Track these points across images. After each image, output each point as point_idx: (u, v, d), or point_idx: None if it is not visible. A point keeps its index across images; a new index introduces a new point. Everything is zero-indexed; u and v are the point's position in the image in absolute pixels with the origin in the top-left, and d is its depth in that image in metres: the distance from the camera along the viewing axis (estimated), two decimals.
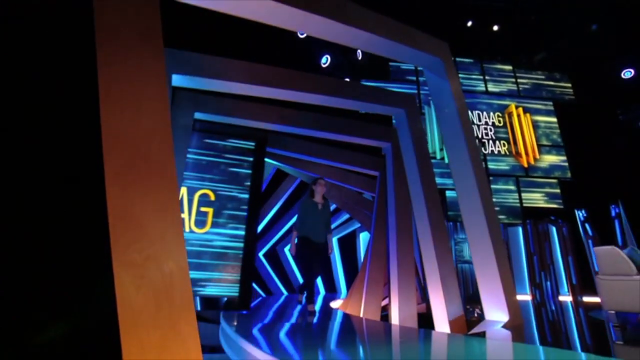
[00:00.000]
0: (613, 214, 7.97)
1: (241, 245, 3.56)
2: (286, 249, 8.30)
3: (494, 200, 8.15)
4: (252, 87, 3.15)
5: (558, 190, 8.44)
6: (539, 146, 8.68)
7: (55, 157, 2.18)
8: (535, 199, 8.36)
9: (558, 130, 8.90)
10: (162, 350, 1.36)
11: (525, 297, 8.35)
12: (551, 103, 9.13)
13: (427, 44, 3.19)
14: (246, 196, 3.65)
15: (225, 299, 3.45)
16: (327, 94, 3.45)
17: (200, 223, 3.47)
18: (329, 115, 4.08)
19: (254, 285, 7.08)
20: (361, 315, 4.31)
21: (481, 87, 8.99)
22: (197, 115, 3.41)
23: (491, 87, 9.07)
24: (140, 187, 1.46)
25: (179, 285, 1.50)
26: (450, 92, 3.25)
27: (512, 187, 8.31)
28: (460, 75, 9.00)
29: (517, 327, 2.74)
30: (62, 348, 1.84)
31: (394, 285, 4.05)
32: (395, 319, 3.85)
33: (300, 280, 7.38)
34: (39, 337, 1.77)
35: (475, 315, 3.00)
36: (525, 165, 8.44)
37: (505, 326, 2.70)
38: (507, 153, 8.48)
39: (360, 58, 7.90)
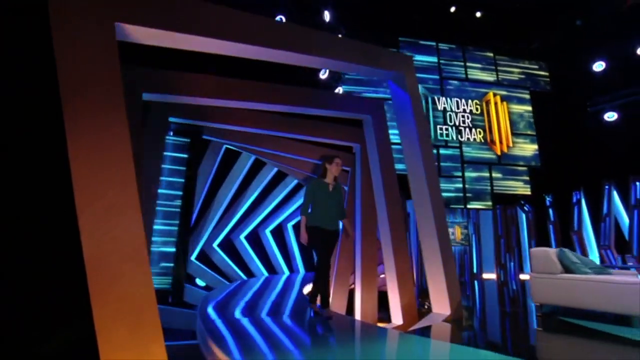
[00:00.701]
0: (574, 200, 8.53)
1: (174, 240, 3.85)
2: (267, 231, 8.65)
3: (467, 186, 8.61)
4: (222, 101, 3.27)
5: (528, 178, 8.90)
6: (513, 134, 9.03)
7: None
8: (506, 185, 8.82)
9: (532, 120, 9.23)
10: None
11: (491, 275, 9.06)
12: (528, 92, 9.39)
13: (391, 62, 3.34)
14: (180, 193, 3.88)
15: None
16: (296, 105, 3.59)
17: None
18: (300, 117, 4.19)
19: (235, 267, 7.46)
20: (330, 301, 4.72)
21: (462, 74, 9.13)
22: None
23: (472, 74, 9.22)
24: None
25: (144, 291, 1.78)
26: (410, 103, 3.43)
27: (485, 174, 8.72)
28: (441, 61, 9.12)
29: (457, 321, 3.16)
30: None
31: (358, 274, 4.44)
32: (357, 303, 4.27)
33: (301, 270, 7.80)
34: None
35: (426, 307, 3.39)
36: (499, 153, 8.82)
37: (446, 320, 3.13)
38: (482, 141, 8.81)
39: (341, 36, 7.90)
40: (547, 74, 9.58)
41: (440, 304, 3.23)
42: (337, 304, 4.48)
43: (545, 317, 3.33)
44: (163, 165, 3.69)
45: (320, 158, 3.36)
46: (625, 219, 7.74)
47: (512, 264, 8.82)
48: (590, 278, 3.07)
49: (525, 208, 9.23)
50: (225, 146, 5.56)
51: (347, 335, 2.69)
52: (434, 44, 9.21)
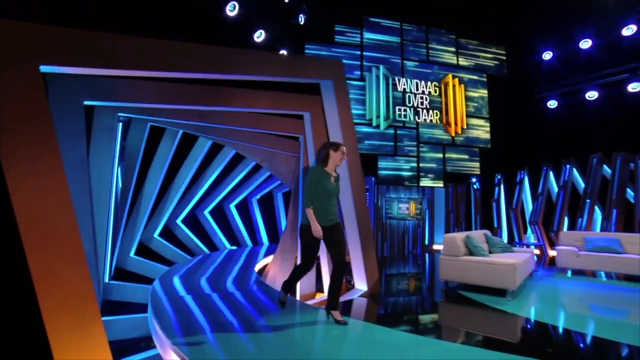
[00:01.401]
0: (518, 179, 9.35)
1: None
2: (232, 206, 9.06)
3: (422, 165, 9.20)
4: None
5: (478, 158, 9.59)
6: (468, 117, 9.56)
7: None
8: (458, 165, 9.49)
9: (487, 103, 9.74)
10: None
11: (440, 247, 10.01)
12: (485, 76, 9.82)
13: (320, 70, 3.57)
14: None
15: None
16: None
17: None
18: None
19: (198, 241, 7.90)
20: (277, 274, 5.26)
21: (423, 56, 9.39)
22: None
23: (433, 56, 9.50)
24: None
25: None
26: (336, 106, 3.70)
27: (440, 155, 9.32)
28: (405, 42, 9.31)
29: (374, 296, 3.77)
30: None
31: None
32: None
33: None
34: None
35: (351, 283, 3.96)
36: (453, 134, 9.38)
37: (363, 295, 3.73)
38: (438, 122, 9.31)
39: (302, 22, 7.91)
40: (504, 58, 9.99)
41: (360, 281, 3.82)
42: (281, 276, 5.00)
43: (448, 291, 4.00)
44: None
45: (321, 145, 2.91)
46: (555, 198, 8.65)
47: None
48: (480, 260, 3.72)
49: (474, 186, 10.04)
50: (181, 131, 5.73)
51: (269, 310, 3.21)
52: (398, 24, 9.33)
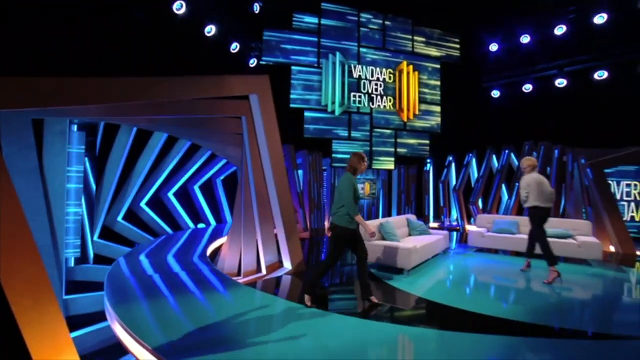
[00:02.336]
0: (464, 162, 10.29)
1: None
2: (196, 187, 9.59)
3: (376, 149, 9.91)
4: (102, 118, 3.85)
5: (428, 142, 10.39)
6: (420, 102, 10.24)
7: None
8: (410, 148, 10.27)
9: (439, 90, 10.40)
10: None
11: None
12: (439, 63, 10.40)
13: (245, 87, 4.07)
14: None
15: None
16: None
17: None
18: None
19: (162, 222, 8.47)
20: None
21: (379, 42, 9.82)
22: None
23: (389, 43, 9.94)
24: None
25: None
26: (261, 115, 4.25)
27: (392, 140, 10.04)
28: (362, 30, 9.67)
29: (297, 274, 4.56)
30: None
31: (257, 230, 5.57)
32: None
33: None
34: None
35: (279, 262, 4.72)
36: (405, 119, 10.07)
37: (288, 273, 4.51)
38: (392, 108, 9.95)
39: (258, 11, 8.13)
40: (458, 47, 10.54)
41: (286, 261, 4.60)
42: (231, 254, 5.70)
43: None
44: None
45: (352, 155, 3.34)
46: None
47: (409, 213, 10.74)
48: (386, 244, 4.55)
49: (425, 168, 10.95)
50: (135, 128, 6.12)
51: (207, 288, 3.93)
52: (355, 11, 9.64)
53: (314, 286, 3.37)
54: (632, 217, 7.73)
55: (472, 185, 10.03)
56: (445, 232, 6.00)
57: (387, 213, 10.73)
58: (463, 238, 7.95)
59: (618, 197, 7.76)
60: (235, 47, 7.27)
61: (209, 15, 6.19)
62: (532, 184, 4.48)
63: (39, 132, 3.81)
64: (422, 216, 10.77)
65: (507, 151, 9.38)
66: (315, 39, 9.24)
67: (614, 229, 6.41)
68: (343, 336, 2.73)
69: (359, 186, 10.68)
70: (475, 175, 10.20)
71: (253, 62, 8.16)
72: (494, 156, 9.86)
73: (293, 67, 9.01)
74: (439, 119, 10.47)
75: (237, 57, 7.57)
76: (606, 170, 6.87)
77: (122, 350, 2.98)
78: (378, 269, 4.75)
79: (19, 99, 2.54)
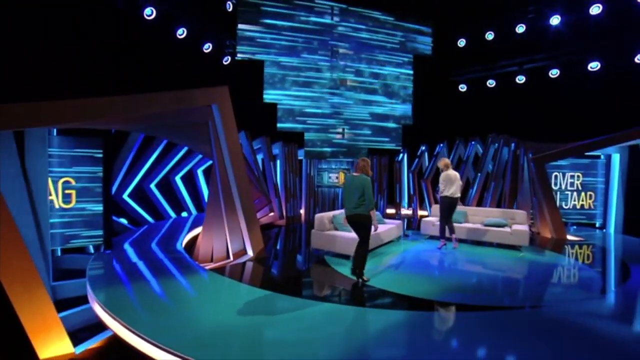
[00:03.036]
0: (435, 153, 10.97)
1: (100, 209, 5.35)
2: (177, 178, 10.11)
3: (354, 142, 10.48)
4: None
5: (400, 133, 10.99)
6: (393, 95, 10.76)
7: None
8: (382, 140, 10.88)
9: (412, 83, 10.91)
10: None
11: (407, 211, 11.74)
12: (411, 56, 10.86)
13: (206, 98, 4.59)
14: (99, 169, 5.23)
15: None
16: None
17: (66, 201, 5.12)
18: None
19: (144, 213, 9.03)
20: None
21: (354, 36, 10.22)
22: None
23: (363, 37, 10.34)
24: None
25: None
26: (221, 122, 4.80)
27: (367, 131, 10.62)
28: (335, 23, 10.04)
29: (258, 260, 5.24)
30: None
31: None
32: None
33: None
34: None
35: (244, 249, 5.37)
36: (378, 111, 10.62)
37: (250, 259, 5.18)
38: (364, 102, 10.48)
39: (231, 9, 8.47)
40: (430, 39, 10.98)
41: (249, 248, 5.27)
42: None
43: (315, 256, 5.57)
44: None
45: (362, 159, 4.46)
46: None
47: (382, 202, 11.47)
48: (336, 234, 5.24)
49: (397, 158, 11.61)
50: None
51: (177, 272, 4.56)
52: (329, 5, 9.98)
53: (363, 267, 4.35)
54: (574, 205, 8.56)
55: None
56: (399, 221, 6.72)
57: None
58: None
59: (563, 187, 8.55)
60: (208, 47, 7.66)
61: (180, 18, 6.58)
62: (446, 179, 5.93)
63: (20, 138, 4.32)
64: (394, 203, 11.53)
65: (472, 143, 10.06)
66: (289, 33, 9.61)
67: (550, 217, 7.21)
68: (265, 309, 3.44)
69: (334, 175, 11.35)
70: (432, 164, 10.91)
71: (227, 60, 8.55)
72: (461, 146, 10.55)
73: (267, 62, 9.41)
74: (410, 110, 11.03)
75: (210, 57, 7.96)
76: (561, 162, 7.74)
77: (102, 326, 3.63)
78: (331, 256, 5.46)
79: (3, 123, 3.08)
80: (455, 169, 7.56)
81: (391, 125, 10.89)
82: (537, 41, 9.09)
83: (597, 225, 8.59)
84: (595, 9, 8.20)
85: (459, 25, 10.25)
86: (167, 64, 6.51)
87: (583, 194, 8.55)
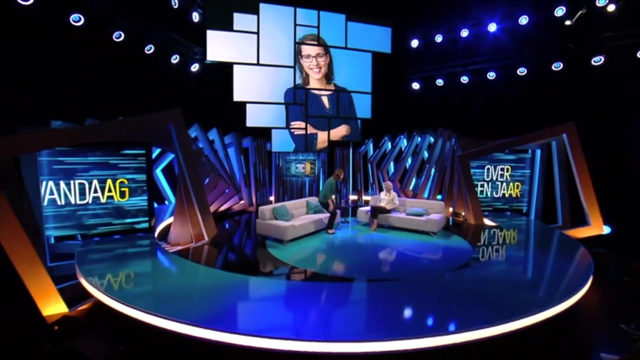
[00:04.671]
0: (394, 144, 12.28)
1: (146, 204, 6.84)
2: (158, 170, 11.44)
3: (313, 132, 11.78)
4: None
5: (360, 127, 12.29)
6: (353, 91, 11.97)
7: None
8: (342, 133, 12.18)
9: (370, 79, 12.08)
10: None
11: (354, 197, 13.20)
12: (371, 54, 11.97)
13: (162, 120, 5.91)
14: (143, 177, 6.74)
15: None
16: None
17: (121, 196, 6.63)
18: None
19: None
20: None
21: (313, 36, 11.30)
22: None
23: (324, 37, 11.41)
24: None
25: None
26: (177, 138, 6.15)
27: (325, 127, 11.91)
28: (298, 26, 11.11)
29: (213, 244, 6.71)
30: None
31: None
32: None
33: None
34: None
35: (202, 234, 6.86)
36: (337, 110, 11.87)
37: (205, 243, 6.65)
38: (327, 100, 11.70)
39: (197, 20, 9.55)
40: (388, 40, 12.03)
41: (205, 234, 6.76)
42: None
43: (260, 240, 7.06)
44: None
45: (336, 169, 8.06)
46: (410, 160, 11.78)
47: (344, 190, 12.92)
48: (272, 222, 6.71)
49: (359, 150, 12.94)
50: None
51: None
52: (292, 8, 11.01)
53: (331, 225, 7.70)
54: (504, 194, 10.01)
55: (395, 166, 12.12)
56: (337, 210, 8.20)
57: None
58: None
59: (494, 178, 9.97)
60: (175, 57, 8.82)
61: (147, 37, 7.74)
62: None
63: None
64: (357, 190, 12.97)
65: (425, 136, 11.37)
66: (255, 37, 10.70)
67: (472, 207, 8.67)
68: (197, 279, 4.93)
69: (300, 166, 12.69)
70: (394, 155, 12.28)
71: (195, 67, 9.72)
72: (417, 139, 11.86)
73: (235, 65, 10.54)
74: (369, 106, 12.26)
75: (178, 67, 9.14)
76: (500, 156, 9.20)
77: (89, 295, 5.12)
78: (270, 240, 6.97)
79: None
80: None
81: (351, 119, 12.17)
82: (478, 45, 10.24)
83: (524, 212, 10.07)
84: (524, 20, 9.33)
85: (412, 27, 11.32)
86: (137, 79, 7.74)
87: (511, 184, 9.99)
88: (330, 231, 7.65)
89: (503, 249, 6.61)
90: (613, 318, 4.92)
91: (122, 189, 6.82)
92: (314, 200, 8.39)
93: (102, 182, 6.62)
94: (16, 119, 5.72)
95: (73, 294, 5.41)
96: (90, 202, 6.58)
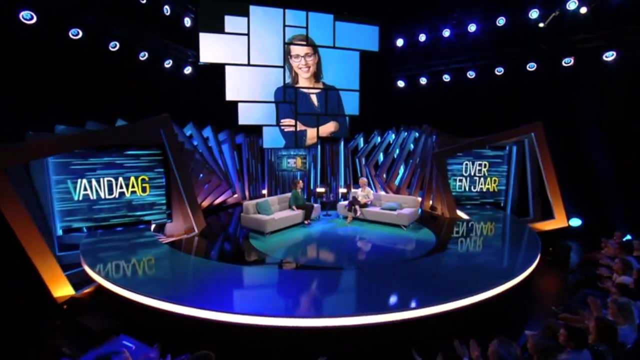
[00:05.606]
0: (381, 140, 12.98)
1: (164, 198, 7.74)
2: None
3: (309, 132, 12.51)
4: None
5: (348, 123, 12.98)
6: (341, 89, 12.62)
7: None
8: (330, 129, 12.89)
9: (358, 77, 12.70)
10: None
11: (322, 189, 14.00)
12: (358, 53, 12.56)
13: (153, 126, 6.73)
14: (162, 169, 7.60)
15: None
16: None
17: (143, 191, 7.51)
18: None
19: None
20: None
21: (302, 36, 11.93)
22: None
23: (312, 36, 12.03)
24: None
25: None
26: (167, 141, 6.99)
27: (314, 124, 12.63)
28: (287, 27, 11.73)
29: (202, 235, 7.58)
30: None
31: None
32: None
33: None
34: None
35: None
36: (326, 107, 12.56)
37: (195, 235, 7.53)
38: (315, 98, 12.38)
39: (189, 24, 10.26)
40: (377, 36, 12.58)
41: (195, 226, 7.64)
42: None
43: (242, 232, 7.91)
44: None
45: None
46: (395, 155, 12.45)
47: (334, 183, 13.70)
48: (255, 216, 7.56)
49: (349, 145, 13.65)
50: None
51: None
52: (281, 10, 11.62)
53: (308, 217, 8.67)
54: (481, 188, 10.70)
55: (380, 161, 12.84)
56: (317, 204, 9.02)
57: (315, 182, 13.69)
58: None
59: (472, 173, 10.65)
60: (168, 62, 9.57)
61: (140, 44, 8.50)
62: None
63: None
64: (346, 185, 13.73)
65: (411, 132, 12.03)
66: (246, 38, 11.36)
67: (446, 201, 9.40)
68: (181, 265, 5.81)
69: (292, 161, 13.43)
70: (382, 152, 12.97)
71: (188, 69, 10.47)
72: (403, 135, 12.53)
73: (227, 65, 11.25)
74: (357, 103, 12.92)
75: (171, 70, 9.89)
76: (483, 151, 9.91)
77: (91, 280, 6.03)
78: (253, 232, 7.83)
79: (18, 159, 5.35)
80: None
81: (340, 117, 12.86)
82: (459, 45, 10.79)
83: (502, 205, 10.76)
84: (501, 21, 9.86)
85: (398, 26, 11.86)
86: (133, 84, 8.53)
87: (489, 179, 10.66)
88: (306, 222, 8.56)
89: (465, 240, 7.38)
90: (552, 301, 5.72)
91: (144, 185, 7.56)
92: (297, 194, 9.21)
93: (127, 180, 7.37)
94: (24, 124, 6.60)
95: (80, 281, 6.32)
96: (107, 197, 7.35)
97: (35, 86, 6.85)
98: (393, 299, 4.67)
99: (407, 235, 7.90)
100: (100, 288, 5.62)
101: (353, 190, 10.14)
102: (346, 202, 9.25)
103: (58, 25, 6.95)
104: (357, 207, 8.75)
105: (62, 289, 5.69)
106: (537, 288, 6.52)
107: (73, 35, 7.13)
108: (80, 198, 7.15)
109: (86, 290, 5.92)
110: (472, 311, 4.75)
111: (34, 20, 6.37)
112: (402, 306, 4.44)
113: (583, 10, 8.78)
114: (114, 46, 7.94)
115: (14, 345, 4.76)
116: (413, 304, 4.46)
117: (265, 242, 7.28)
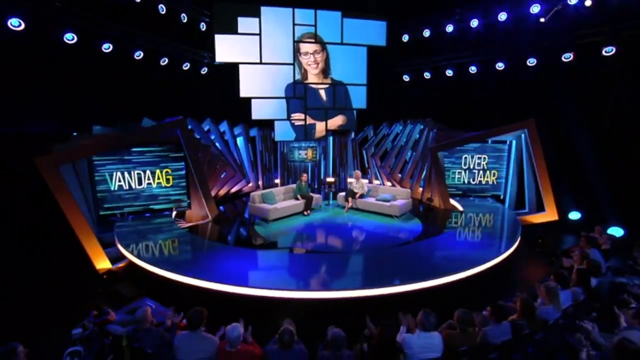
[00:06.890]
0: (388, 132, 13.77)
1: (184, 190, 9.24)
2: None
3: (319, 126, 13.52)
4: None
5: (355, 117, 13.83)
6: (349, 83, 13.45)
7: None
8: (338, 123, 13.80)
9: (365, 72, 13.44)
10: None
11: (331, 179, 15.05)
12: (366, 48, 13.26)
13: (172, 128, 8.04)
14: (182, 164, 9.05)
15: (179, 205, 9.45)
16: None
17: (167, 182, 9.02)
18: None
19: None
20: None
21: (310, 34, 12.79)
22: None
23: (320, 34, 12.86)
24: None
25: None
26: (184, 140, 8.30)
27: (323, 117, 13.59)
28: (296, 26, 12.63)
29: (215, 221, 8.90)
30: None
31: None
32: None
33: None
34: None
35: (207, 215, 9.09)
36: (334, 100, 13.46)
37: (209, 221, 8.86)
38: (324, 93, 13.31)
39: (205, 28, 11.44)
40: (384, 32, 13.20)
41: (209, 213, 8.99)
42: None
43: (249, 219, 9.17)
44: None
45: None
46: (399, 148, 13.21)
47: (342, 173, 14.69)
48: (260, 205, 8.79)
49: (357, 138, 14.53)
50: None
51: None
52: (290, 9, 12.51)
53: (308, 208, 9.69)
54: (480, 181, 11.34)
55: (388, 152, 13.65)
56: (317, 195, 10.12)
57: (325, 172, 14.76)
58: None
59: (471, 166, 11.29)
60: (186, 65, 10.85)
61: (161, 51, 9.80)
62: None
63: None
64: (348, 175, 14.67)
65: (416, 125, 12.74)
66: (257, 38, 12.40)
67: (440, 193, 10.20)
68: (194, 247, 7.13)
69: (303, 152, 14.54)
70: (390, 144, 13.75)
71: (204, 70, 11.72)
72: (409, 128, 13.26)
73: (240, 64, 12.37)
74: (364, 97, 13.71)
75: (189, 71, 11.18)
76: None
77: (123, 257, 7.51)
78: (259, 219, 9.08)
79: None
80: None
81: (348, 110, 13.73)
82: (462, 40, 11.28)
83: (502, 197, 11.37)
84: (502, 16, 10.27)
85: (403, 22, 12.44)
86: (156, 87, 9.90)
87: (488, 172, 11.27)
88: (306, 212, 9.61)
89: (453, 230, 8.25)
90: (527, 286, 6.54)
91: (167, 177, 9.01)
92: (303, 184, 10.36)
93: (153, 172, 8.82)
94: (66, 123, 8.17)
95: (116, 256, 7.81)
96: (137, 187, 8.84)
97: (75, 91, 8.35)
98: (375, 278, 5.74)
99: (396, 225, 8.86)
100: (131, 263, 7.06)
101: (349, 181, 11.14)
102: (344, 193, 10.29)
103: (90, 40, 8.32)
104: (350, 198, 9.79)
105: (102, 263, 7.20)
106: (520, 275, 7.35)
107: (105, 49, 8.49)
108: (115, 188, 8.67)
109: (120, 265, 7.40)
110: (446, 289, 5.66)
111: (74, 41, 7.76)
112: (383, 284, 5.44)
113: (588, 3, 9.01)
114: (139, 55, 9.26)
115: (67, 303, 6.28)
116: (380, 284, 5.51)
117: (268, 228, 8.51)
